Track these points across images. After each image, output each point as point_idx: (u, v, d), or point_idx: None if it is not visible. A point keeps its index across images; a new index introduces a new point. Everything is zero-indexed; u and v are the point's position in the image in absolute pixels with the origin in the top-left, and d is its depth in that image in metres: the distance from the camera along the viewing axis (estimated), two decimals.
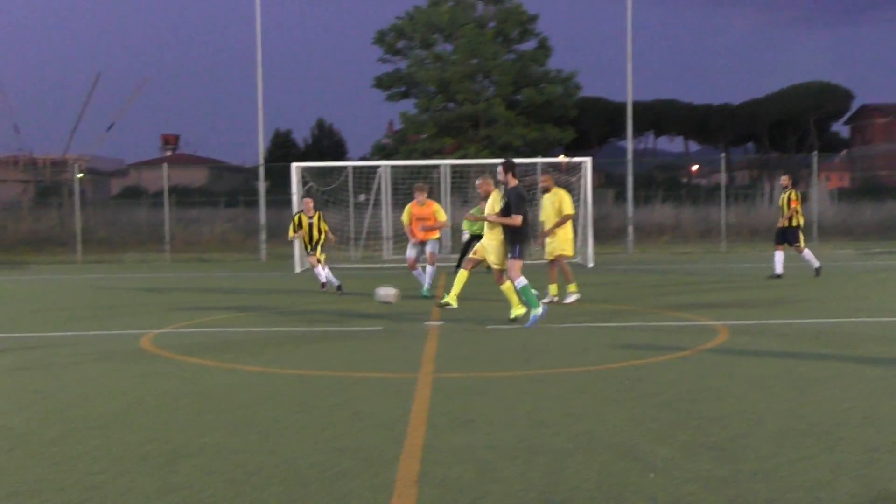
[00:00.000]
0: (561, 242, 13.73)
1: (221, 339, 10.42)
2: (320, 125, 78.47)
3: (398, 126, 40.94)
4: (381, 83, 36.96)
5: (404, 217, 15.52)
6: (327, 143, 76.33)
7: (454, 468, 4.89)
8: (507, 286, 11.46)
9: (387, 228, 27.01)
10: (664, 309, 12.90)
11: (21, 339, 10.64)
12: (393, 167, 27.21)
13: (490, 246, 11.45)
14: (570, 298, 13.80)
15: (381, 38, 36.78)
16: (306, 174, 24.57)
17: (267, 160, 31.20)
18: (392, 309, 13.10)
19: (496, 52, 36.72)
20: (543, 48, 37.95)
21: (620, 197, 39.38)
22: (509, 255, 11.14)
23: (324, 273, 16.32)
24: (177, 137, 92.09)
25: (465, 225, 22.04)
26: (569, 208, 13.71)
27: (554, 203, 13.72)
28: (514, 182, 11.21)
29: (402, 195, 26.54)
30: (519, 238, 11.11)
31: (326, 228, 16.47)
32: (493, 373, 7.88)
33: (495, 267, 11.48)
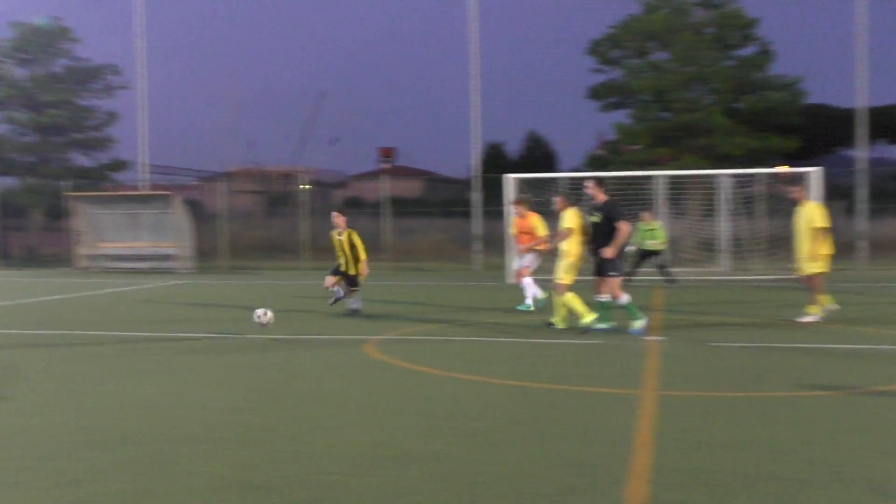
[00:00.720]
0: (808, 258, 13.05)
1: (442, 347, 10.58)
2: (532, 137, 78.87)
3: (609, 137, 40.42)
4: (596, 93, 36.55)
5: (512, 229, 15.64)
6: (538, 154, 76.56)
7: (686, 492, 4.69)
8: (567, 297, 11.64)
9: None
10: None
11: (253, 340, 11.28)
12: (608, 178, 26.88)
13: (561, 263, 11.75)
14: (807, 318, 13.08)
15: (594, 49, 36.47)
16: (522, 185, 24.67)
17: (481, 171, 31.61)
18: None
19: (714, 59, 35.51)
20: (765, 53, 36.30)
21: (849, 210, 36.92)
22: (610, 273, 11.30)
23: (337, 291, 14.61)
24: (393, 150, 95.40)
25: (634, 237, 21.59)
26: (820, 221, 13.04)
27: (804, 216, 13.15)
28: (604, 197, 11.55)
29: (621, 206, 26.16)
30: (619, 253, 11.36)
31: (359, 245, 14.49)
32: (722, 392, 7.54)
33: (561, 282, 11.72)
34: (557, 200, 12.55)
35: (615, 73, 36.27)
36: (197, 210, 50.54)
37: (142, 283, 22.56)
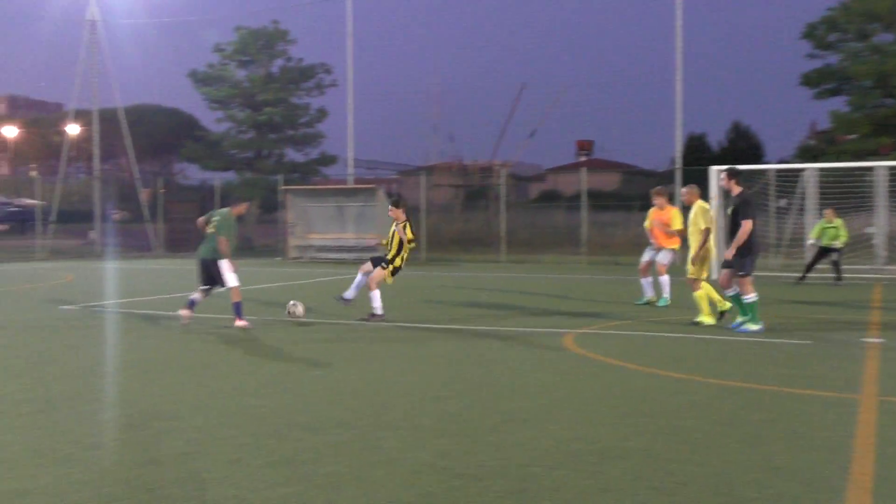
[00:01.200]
0: None
1: (640, 342, 10.40)
2: (736, 128, 75.81)
3: (822, 126, 38.24)
4: (810, 80, 34.61)
5: (646, 222, 15.08)
6: (743, 145, 73.47)
7: None
8: (699, 294, 11.75)
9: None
10: None
11: (455, 330, 11.48)
12: (821, 170, 25.37)
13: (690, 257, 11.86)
14: None
15: (811, 32, 34.48)
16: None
17: (683, 164, 30.73)
18: (822, 323, 12.23)
19: None
20: None
21: None
22: (740, 272, 10.93)
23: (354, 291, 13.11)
24: (591, 143, 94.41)
25: (813, 232, 20.51)
26: None
27: None
28: (738, 189, 11.07)
29: (830, 199, 24.69)
30: (748, 250, 10.86)
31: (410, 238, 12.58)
32: None
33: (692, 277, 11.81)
34: (685, 192, 12.19)
35: (832, 58, 34.25)
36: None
37: (349, 273, 23.54)
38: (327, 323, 12.19)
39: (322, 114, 42.20)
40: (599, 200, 43.70)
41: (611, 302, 15.58)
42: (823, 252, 20.33)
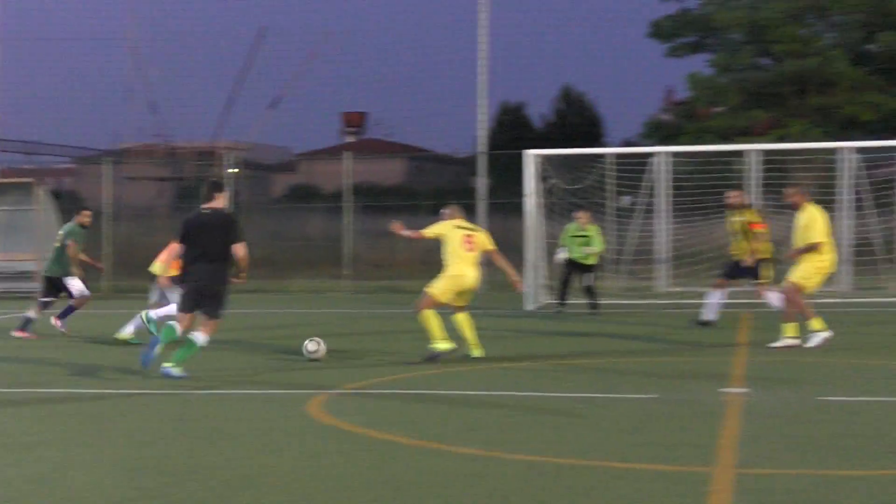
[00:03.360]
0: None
1: (421, 404, 10.61)
2: (567, 94, 78.88)
3: (683, 94, 40.42)
4: (661, 30, 36.59)
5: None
6: (577, 120, 76.58)
7: None
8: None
9: (666, 246, 26.63)
10: None
11: (149, 397, 11.28)
12: (675, 155, 26.86)
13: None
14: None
15: None
16: (547, 166, 24.70)
17: (490, 146, 31.59)
18: (671, 369, 12.96)
19: None
20: None
21: None
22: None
23: None
24: (363, 116, 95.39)
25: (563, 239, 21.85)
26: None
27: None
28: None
29: (691, 196, 26.12)
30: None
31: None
32: (829, 470, 7.55)
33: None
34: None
35: (691, 2, 36.34)
36: (72, 205, 50.37)
37: None
38: None
39: None
40: (373, 199, 44.16)
41: (382, 346, 15.81)
42: (575, 268, 21.46)
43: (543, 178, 24.48)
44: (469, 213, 32.01)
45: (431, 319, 13.57)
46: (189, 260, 12.55)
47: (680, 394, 11.01)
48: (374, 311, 23.31)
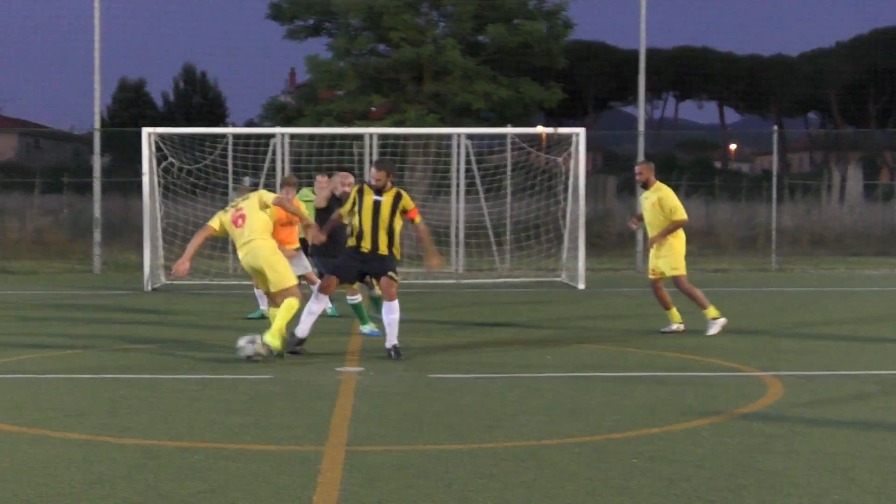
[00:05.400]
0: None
1: (27, 389, 10.26)
2: (189, 73, 77.71)
3: (303, 77, 40.73)
4: (280, 13, 36.62)
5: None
6: (199, 100, 75.67)
7: None
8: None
9: None
10: (688, 353, 12.90)
11: None
12: (294, 137, 26.97)
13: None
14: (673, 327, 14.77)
15: None
16: (164, 144, 24.23)
17: (108, 124, 30.72)
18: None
19: None
20: None
21: (626, 188, 39.59)
22: None
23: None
24: None
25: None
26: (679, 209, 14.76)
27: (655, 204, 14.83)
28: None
29: (309, 177, 26.30)
30: None
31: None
32: (436, 445, 7.78)
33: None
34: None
35: None
36: None
37: None
38: None
39: None
40: None
41: None
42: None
43: (161, 157, 23.98)
44: (86, 191, 31.07)
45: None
46: None
47: (296, 374, 11.07)
48: None
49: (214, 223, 12.40)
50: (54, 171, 46.84)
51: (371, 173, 12.29)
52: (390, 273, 11.96)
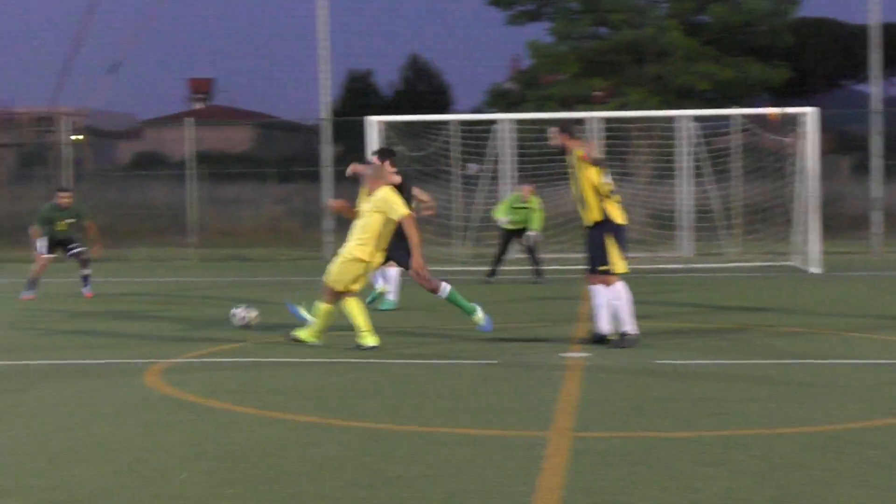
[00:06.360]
0: None
1: (257, 373, 10.52)
2: (414, 62, 78.86)
3: (527, 62, 40.68)
4: None
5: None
6: (424, 88, 76.67)
7: None
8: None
9: None
10: None
11: None
12: (518, 122, 27.01)
13: None
14: None
15: None
16: (392, 132, 24.61)
17: (338, 113, 31.37)
18: (515, 335, 13.00)
19: None
20: None
21: (861, 168, 38.20)
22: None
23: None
24: (210, 83, 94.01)
25: (499, 211, 21.69)
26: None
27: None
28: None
29: (532, 164, 26.33)
30: None
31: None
32: (661, 432, 7.65)
33: None
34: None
35: None
36: None
37: None
38: None
39: None
40: (220, 167, 43.55)
41: (224, 315, 15.63)
42: (510, 237, 21.38)
43: (390, 145, 24.37)
44: (315, 180, 31.86)
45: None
46: None
47: (521, 360, 11.07)
48: (218, 280, 22.94)
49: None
50: (286, 161, 48.15)
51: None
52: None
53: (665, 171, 28.42)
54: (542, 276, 21.15)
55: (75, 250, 18.03)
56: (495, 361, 10.90)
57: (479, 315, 12.24)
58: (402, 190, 12.93)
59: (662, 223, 27.53)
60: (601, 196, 11.54)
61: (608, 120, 26.98)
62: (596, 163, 11.50)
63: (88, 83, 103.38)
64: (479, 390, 9.45)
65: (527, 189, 21.44)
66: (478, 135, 27.17)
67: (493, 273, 21.02)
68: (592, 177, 11.52)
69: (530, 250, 21.33)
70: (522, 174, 26.48)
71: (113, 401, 9.06)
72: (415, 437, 7.57)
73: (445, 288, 12.23)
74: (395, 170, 13.03)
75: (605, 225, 11.53)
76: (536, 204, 21.28)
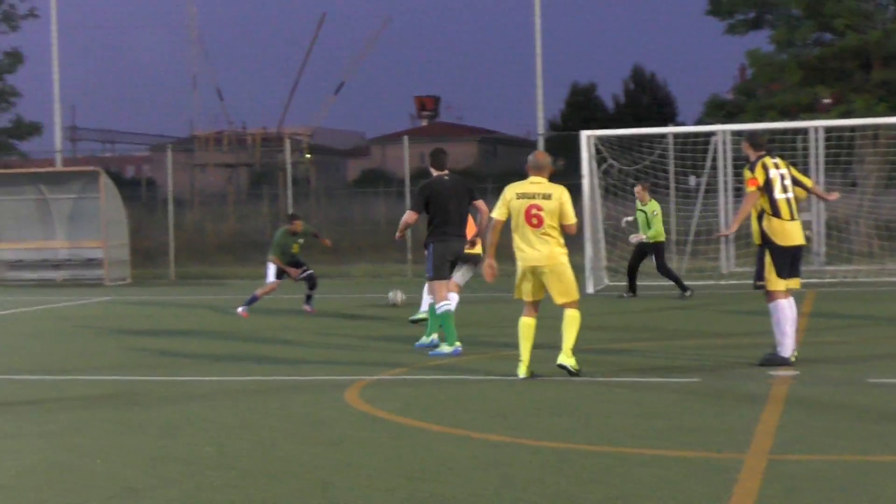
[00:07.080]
0: None
1: (459, 389, 10.54)
2: (637, 75, 78.23)
3: (750, 73, 39.75)
4: (719, 7, 35.95)
5: None
6: (646, 100, 76.03)
7: None
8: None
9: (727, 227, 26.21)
10: None
11: (174, 384, 11.24)
12: (735, 133, 26.39)
13: None
14: None
15: None
16: (604, 146, 24.40)
17: (560, 128, 31.30)
18: (722, 352, 12.63)
19: None
20: None
21: None
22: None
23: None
24: (436, 100, 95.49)
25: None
26: None
27: None
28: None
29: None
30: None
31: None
32: (864, 455, 7.33)
33: None
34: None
35: None
36: (145, 193, 50.87)
37: (52, 301, 22.74)
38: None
39: (15, 59, 40.16)
40: None
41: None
42: (646, 253, 20.20)
43: (601, 159, 24.18)
44: None
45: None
46: (437, 225, 12.74)
47: (724, 379, 10.71)
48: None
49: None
50: (506, 176, 48.35)
51: None
52: None
53: (891, 181, 27.31)
54: (687, 291, 19.92)
55: (306, 273, 18.57)
56: (696, 379, 10.61)
57: (447, 348, 12.65)
58: (447, 200, 12.78)
59: (891, 234, 26.41)
60: (764, 215, 11.19)
61: (830, 129, 26.05)
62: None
63: (316, 103, 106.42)
64: (675, 409, 9.22)
65: (640, 189, 20.52)
66: (693, 147, 26.68)
67: (685, 288, 19.95)
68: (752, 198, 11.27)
69: (661, 265, 20.12)
70: (740, 186, 25.82)
71: (309, 417, 9.23)
72: (604, 458, 7.42)
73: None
74: (441, 173, 12.90)
75: (765, 244, 11.22)
76: (655, 208, 20.04)
